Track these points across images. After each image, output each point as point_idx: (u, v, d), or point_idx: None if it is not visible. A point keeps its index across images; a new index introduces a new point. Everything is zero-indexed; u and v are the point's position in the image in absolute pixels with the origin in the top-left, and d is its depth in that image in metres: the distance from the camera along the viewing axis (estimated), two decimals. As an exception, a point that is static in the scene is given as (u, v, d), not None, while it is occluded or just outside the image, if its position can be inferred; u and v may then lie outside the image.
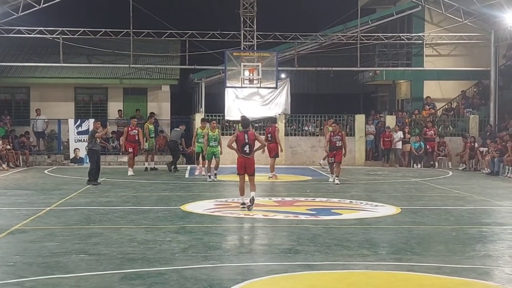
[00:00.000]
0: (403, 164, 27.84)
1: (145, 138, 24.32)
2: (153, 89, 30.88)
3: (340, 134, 20.07)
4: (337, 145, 19.88)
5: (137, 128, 23.12)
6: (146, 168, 24.55)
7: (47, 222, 12.41)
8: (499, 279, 8.31)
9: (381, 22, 31.99)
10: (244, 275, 8.32)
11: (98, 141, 19.46)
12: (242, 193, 14.11)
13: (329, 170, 21.15)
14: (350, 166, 26.97)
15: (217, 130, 20.93)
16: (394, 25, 32.57)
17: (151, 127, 25.14)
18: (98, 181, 19.28)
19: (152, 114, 28.87)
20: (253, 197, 13.70)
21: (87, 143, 20.46)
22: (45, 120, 28.99)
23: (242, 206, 13.92)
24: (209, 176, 20.56)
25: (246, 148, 13.92)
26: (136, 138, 22.89)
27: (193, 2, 39.92)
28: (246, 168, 13.98)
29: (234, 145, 14.08)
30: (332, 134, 20.11)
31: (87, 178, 19.29)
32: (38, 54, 31.10)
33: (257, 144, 14.24)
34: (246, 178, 14.10)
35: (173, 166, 24.46)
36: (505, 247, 10.32)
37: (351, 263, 9.01)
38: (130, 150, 22.62)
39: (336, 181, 19.66)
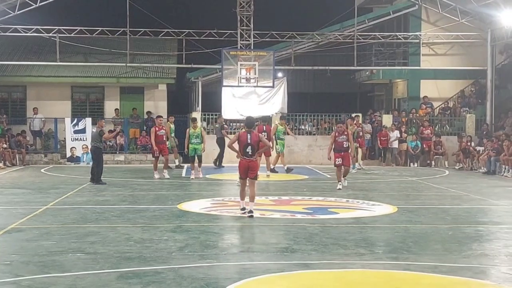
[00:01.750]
0: (400, 163, 27.86)
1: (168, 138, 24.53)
2: (150, 88, 30.86)
3: (346, 133, 17.99)
4: (343, 146, 17.76)
5: (164, 128, 21.89)
6: (176, 166, 25.12)
7: (44, 221, 12.41)
8: (495, 278, 8.32)
9: (378, 21, 32.00)
10: (240, 274, 8.32)
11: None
12: (242, 197, 13.12)
13: (336, 174, 18.34)
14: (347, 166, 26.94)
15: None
16: (391, 24, 32.59)
17: (172, 126, 25.25)
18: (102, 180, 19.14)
19: (149, 112, 29.06)
20: (251, 210, 12.79)
21: (91, 141, 19.83)
22: (42, 119, 28.95)
23: (242, 211, 13.00)
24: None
25: (249, 150, 12.89)
26: (164, 139, 21.62)
27: (190, 1, 39.91)
28: (248, 171, 12.95)
29: (236, 146, 13.15)
30: (337, 133, 17.91)
31: (92, 177, 19.12)
32: (35, 53, 31.08)
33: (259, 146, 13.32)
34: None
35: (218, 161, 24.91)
36: (502, 246, 10.34)
37: (348, 262, 9.02)
38: (156, 154, 21.23)
39: (345, 183, 18.13)
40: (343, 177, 18.05)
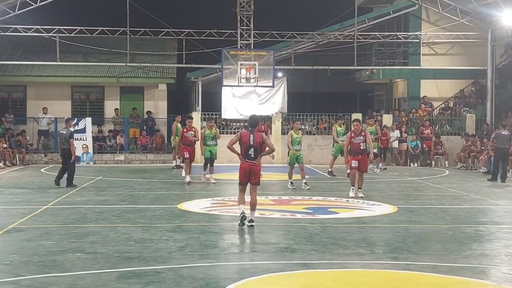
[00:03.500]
0: (400, 163, 27.85)
1: (172, 137, 24.49)
2: (150, 87, 30.86)
3: (363, 134, 16.05)
4: (361, 148, 15.89)
5: (193, 129, 19.84)
6: (173, 166, 25.09)
7: (44, 220, 12.40)
8: (495, 278, 8.32)
9: (378, 21, 32.03)
10: (240, 273, 8.32)
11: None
12: (242, 201, 11.66)
13: (350, 180, 16.65)
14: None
15: (300, 132, 18.66)
16: (391, 24, 32.60)
17: (179, 125, 25.25)
18: (59, 183, 18.07)
19: (149, 112, 28.99)
20: (251, 219, 11.53)
21: (61, 144, 18.58)
22: (52, 119, 28.91)
23: (241, 215, 11.48)
24: (291, 183, 18.10)
25: (251, 152, 11.49)
26: (193, 141, 19.62)
27: (190, 1, 39.91)
28: (250, 176, 11.59)
29: (236, 146, 11.75)
30: (352, 134, 16.01)
31: (56, 181, 18.13)
32: (35, 53, 31.09)
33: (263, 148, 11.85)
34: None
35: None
36: (502, 246, 10.34)
37: (348, 262, 9.02)
38: (186, 156, 19.45)
39: (360, 194, 16.09)
40: (359, 188, 16.13)
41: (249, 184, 11.73)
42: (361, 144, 15.89)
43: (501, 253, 9.85)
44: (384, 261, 9.12)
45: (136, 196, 16.41)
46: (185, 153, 19.61)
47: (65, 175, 18.24)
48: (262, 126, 22.01)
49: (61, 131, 19.01)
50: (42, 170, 24.44)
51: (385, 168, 24.73)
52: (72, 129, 19.05)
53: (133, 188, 18.28)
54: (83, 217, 12.84)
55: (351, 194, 16.12)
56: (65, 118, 21.17)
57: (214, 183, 19.29)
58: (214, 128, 19.99)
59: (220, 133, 21.13)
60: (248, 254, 9.62)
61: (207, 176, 19.62)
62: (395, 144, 27.95)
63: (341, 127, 22.91)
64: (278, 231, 11.47)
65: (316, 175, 22.96)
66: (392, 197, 16.46)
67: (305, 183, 17.96)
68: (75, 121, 27.85)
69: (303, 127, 29.29)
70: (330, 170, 22.38)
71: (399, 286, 7.95)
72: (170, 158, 27.04)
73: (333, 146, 22.60)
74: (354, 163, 15.97)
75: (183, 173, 19.97)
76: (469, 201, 16.05)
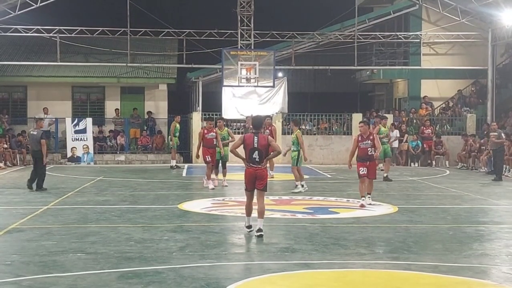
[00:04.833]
0: (401, 163, 27.83)
1: (170, 137, 24.55)
2: (150, 88, 30.85)
3: (371, 138, 14.56)
4: (368, 153, 14.41)
5: (214, 130, 18.53)
6: (172, 166, 25.19)
7: (44, 221, 12.41)
8: (496, 277, 8.32)
9: (379, 21, 32.00)
10: (241, 274, 8.34)
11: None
12: (248, 213, 11.09)
13: (359, 190, 14.85)
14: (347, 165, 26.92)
15: (298, 131, 17.85)
16: (391, 24, 32.59)
17: (178, 126, 25.23)
18: (32, 186, 17.31)
19: (149, 112, 28.94)
20: (260, 228, 10.77)
21: (35, 145, 17.61)
22: (53, 119, 28.91)
23: (249, 230, 11.05)
24: (302, 185, 17.47)
25: (256, 155, 10.83)
26: (214, 143, 18.31)
27: (190, 1, 39.93)
28: (256, 181, 10.92)
29: (240, 150, 11.15)
30: (360, 138, 14.53)
31: (36, 182, 17.38)
32: (35, 53, 31.09)
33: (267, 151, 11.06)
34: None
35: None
36: (502, 246, 10.34)
37: (348, 262, 9.02)
38: (208, 159, 18.18)
39: (369, 201, 14.68)
40: (368, 193, 14.73)
41: (255, 190, 11.00)
42: (368, 149, 14.41)
43: (501, 253, 9.86)
44: (384, 261, 9.12)
45: (137, 196, 16.41)
46: (206, 156, 18.25)
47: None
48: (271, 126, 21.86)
49: (31, 132, 18.19)
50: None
51: (382, 170, 24.60)
52: (43, 129, 18.34)
53: (133, 188, 18.28)
54: (83, 217, 12.85)
55: (362, 203, 14.49)
56: (35, 118, 20.60)
57: (214, 187, 18.29)
58: (225, 129, 19.11)
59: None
60: (248, 254, 9.63)
61: (213, 177, 18.60)
62: (395, 144, 27.92)
63: (385, 127, 21.48)
64: (278, 231, 11.48)
65: (317, 175, 22.96)
66: (392, 197, 16.46)
67: (302, 185, 17.46)
68: (75, 121, 27.93)
69: (303, 127, 29.26)
70: (385, 175, 20.85)
71: (399, 286, 7.95)
72: (168, 158, 27.06)
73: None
74: (363, 170, 14.42)
75: (205, 183, 18.43)
76: (469, 201, 16.05)
